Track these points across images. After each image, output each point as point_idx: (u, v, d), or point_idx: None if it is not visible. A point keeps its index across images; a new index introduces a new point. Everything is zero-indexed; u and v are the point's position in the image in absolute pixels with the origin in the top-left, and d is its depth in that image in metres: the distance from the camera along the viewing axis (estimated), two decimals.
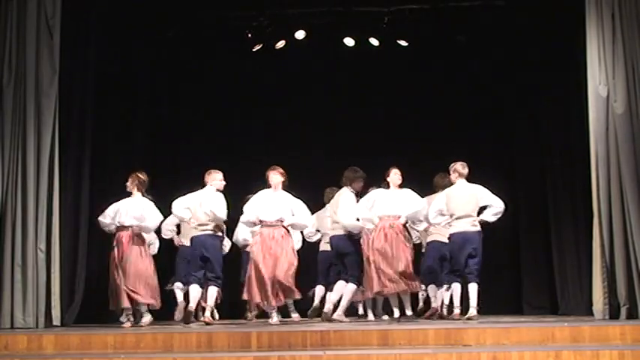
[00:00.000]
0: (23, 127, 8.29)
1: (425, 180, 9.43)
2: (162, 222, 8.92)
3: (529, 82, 10.81)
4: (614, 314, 7.98)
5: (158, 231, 9.38)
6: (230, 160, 11.57)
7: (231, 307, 10.09)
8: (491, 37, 11.16)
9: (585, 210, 8.95)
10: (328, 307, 8.64)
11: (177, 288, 9.51)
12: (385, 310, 9.25)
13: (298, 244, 9.06)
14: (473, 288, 8.27)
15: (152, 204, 8.61)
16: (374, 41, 11.28)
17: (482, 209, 8.55)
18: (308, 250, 9.56)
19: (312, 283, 9.44)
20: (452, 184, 8.65)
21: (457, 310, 8.54)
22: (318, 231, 9.51)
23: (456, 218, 8.42)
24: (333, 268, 9.06)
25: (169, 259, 9.95)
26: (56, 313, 8.15)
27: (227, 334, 6.77)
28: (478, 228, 8.40)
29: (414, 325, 7.61)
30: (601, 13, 8.32)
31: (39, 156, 8.28)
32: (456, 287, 8.60)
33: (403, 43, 11.30)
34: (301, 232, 9.24)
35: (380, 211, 8.54)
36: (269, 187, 8.54)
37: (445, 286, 8.79)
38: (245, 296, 8.40)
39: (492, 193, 8.60)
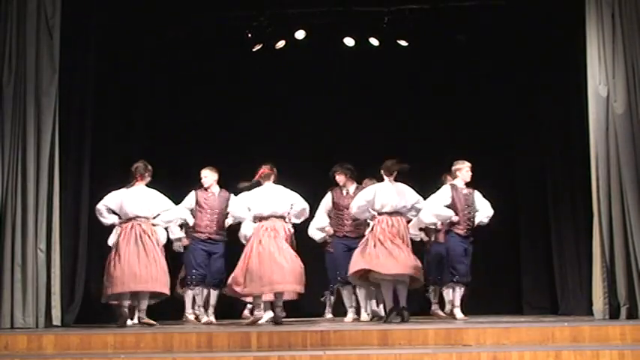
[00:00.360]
0: (23, 127, 8.28)
1: (425, 180, 9.43)
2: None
3: (529, 82, 10.80)
4: (614, 314, 7.98)
5: None
6: (230, 159, 11.59)
7: (232, 307, 10.09)
8: (492, 37, 11.15)
9: (585, 210, 8.95)
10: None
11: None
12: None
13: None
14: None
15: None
16: (374, 41, 11.27)
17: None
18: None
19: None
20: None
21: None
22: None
23: None
24: None
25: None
26: (56, 313, 8.14)
27: (227, 334, 6.78)
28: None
29: (414, 325, 7.61)
30: (601, 13, 8.32)
31: (39, 156, 8.27)
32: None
33: (403, 43, 11.29)
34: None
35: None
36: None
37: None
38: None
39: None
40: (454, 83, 11.64)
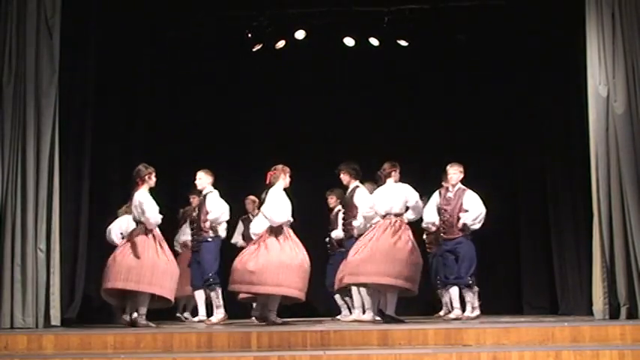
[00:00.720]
0: (23, 127, 8.27)
1: (424, 179, 9.44)
2: None
3: (529, 82, 10.80)
4: (614, 314, 7.98)
5: None
6: (230, 159, 11.61)
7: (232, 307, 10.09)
8: (492, 37, 11.16)
9: (585, 210, 8.95)
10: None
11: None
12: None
13: None
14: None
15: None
16: (374, 41, 11.28)
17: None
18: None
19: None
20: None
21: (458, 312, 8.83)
22: None
23: None
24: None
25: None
26: (55, 313, 8.12)
27: (227, 334, 6.78)
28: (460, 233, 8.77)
29: (414, 325, 7.60)
30: (601, 13, 8.31)
31: (39, 156, 8.26)
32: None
33: (403, 43, 11.30)
34: None
35: None
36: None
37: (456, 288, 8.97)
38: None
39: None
40: (454, 83, 11.64)
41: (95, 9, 9.50)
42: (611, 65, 8.22)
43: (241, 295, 8.74)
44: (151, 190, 8.50)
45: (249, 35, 11.24)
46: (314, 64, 11.57)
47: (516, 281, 11.03)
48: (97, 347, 6.74)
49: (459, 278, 8.72)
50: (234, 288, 8.43)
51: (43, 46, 8.39)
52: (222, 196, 9.02)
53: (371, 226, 8.44)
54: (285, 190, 8.41)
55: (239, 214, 10.46)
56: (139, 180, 8.44)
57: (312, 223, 9.80)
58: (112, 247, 8.90)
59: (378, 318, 8.28)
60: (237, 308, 9.88)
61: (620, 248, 8.00)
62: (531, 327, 6.92)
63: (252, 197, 10.37)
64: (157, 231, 8.39)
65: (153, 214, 8.30)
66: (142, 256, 8.17)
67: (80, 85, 9.36)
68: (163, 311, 8.98)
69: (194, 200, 9.64)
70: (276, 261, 8.13)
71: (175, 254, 9.36)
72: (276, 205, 8.25)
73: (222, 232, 9.05)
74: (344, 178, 9.18)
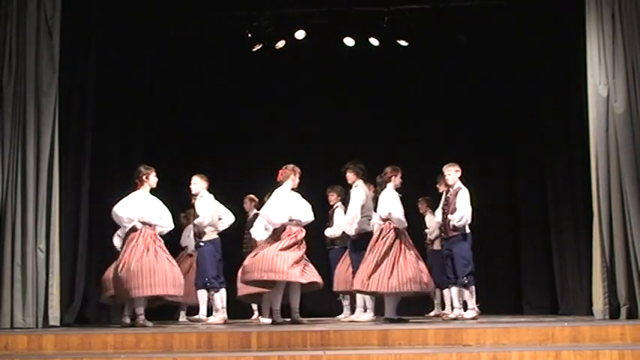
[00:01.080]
0: (23, 127, 8.27)
1: (424, 179, 9.45)
2: None
3: (529, 82, 10.81)
4: (614, 314, 7.98)
5: None
6: (230, 159, 11.62)
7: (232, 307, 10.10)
8: (492, 37, 11.16)
9: (585, 210, 8.95)
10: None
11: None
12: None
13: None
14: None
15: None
16: (374, 41, 11.29)
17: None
18: None
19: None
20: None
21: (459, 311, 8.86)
22: None
23: None
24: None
25: None
26: (55, 313, 8.12)
27: (227, 334, 6.77)
28: (454, 232, 8.74)
29: (414, 325, 7.61)
30: (601, 13, 8.31)
31: (39, 156, 8.26)
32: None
33: (403, 43, 11.30)
34: None
35: None
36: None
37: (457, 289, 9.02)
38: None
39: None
40: (454, 83, 11.65)
41: (95, 9, 9.50)
42: (611, 65, 8.22)
43: (247, 291, 8.73)
44: (152, 191, 8.51)
45: (249, 35, 11.25)
46: (314, 64, 11.57)
47: (516, 281, 11.04)
48: (97, 347, 6.73)
49: (456, 278, 8.75)
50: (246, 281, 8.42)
51: (43, 46, 8.39)
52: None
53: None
54: (294, 189, 8.41)
55: (239, 214, 10.46)
56: (138, 181, 8.45)
57: (311, 223, 9.78)
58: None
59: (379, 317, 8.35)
60: (238, 308, 9.90)
61: (620, 248, 7.99)
62: (531, 327, 6.91)
63: (250, 196, 10.38)
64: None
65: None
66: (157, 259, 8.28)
67: (80, 85, 9.36)
68: (163, 312, 9.00)
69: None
70: (273, 250, 8.13)
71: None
72: (275, 205, 8.25)
73: (213, 235, 8.99)
74: (349, 176, 9.07)
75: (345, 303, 9.74)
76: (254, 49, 11.36)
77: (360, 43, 11.27)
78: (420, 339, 6.62)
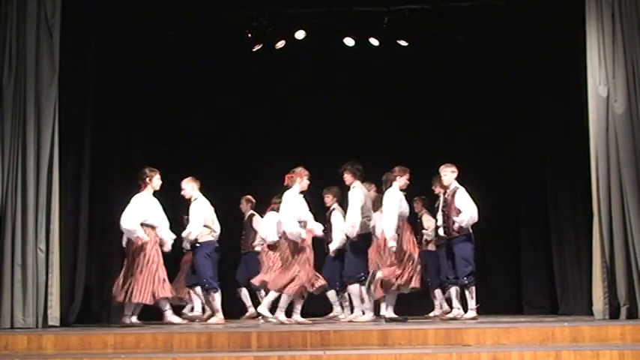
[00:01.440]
0: (23, 127, 8.27)
1: (424, 179, 9.44)
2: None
3: (529, 82, 10.80)
4: (614, 314, 7.99)
5: None
6: (230, 159, 11.61)
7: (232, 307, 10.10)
8: (492, 37, 11.16)
9: (585, 210, 8.95)
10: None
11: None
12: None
13: None
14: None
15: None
16: (374, 41, 11.29)
17: None
18: None
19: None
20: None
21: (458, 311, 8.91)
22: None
23: None
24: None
25: None
26: (55, 313, 8.12)
27: (227, 334, 6.77)
28: (457, 234, 8.75)
29: (414, 325, 7.61)
30: (601, 13, 8.32)
31: (39, 156, 8.26)
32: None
33: (403, 43, 11.30)
34: None
35: None
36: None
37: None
38: None
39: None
40: (454, 83, 11.64)
41: (95, 9, 9.49)
42: (611, 65, 8.23)
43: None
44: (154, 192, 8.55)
45: (249, 35, 11.24)
46: (314, 64, 11.57)
47: (516, 281, 11.03)
48: (97, 347, 6.74)
49: (456, 278, 8.75)
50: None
51: (43, 46, 8.39)
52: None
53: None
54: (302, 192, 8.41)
55: (238, 214, 10.47)
56: (142, 182, 8.48)
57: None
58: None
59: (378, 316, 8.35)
60: (237, 308, 9.91)
61: (620, 248, 8.00)
62: (531, 327, 6.92)
63: (247, 197, 10.37)
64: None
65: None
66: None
67: (80, 85, 9.35)
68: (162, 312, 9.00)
69: None
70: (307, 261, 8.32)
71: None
72: (292, 217, 8.21)
73: (209, 237, 8.99)
74: (347, 177, 9.03)
75: (345, 304, 9.71)
76: (254, 49, 11.35)
77: (360, 43, 11.26)
78: (420, 339, 6.63)
